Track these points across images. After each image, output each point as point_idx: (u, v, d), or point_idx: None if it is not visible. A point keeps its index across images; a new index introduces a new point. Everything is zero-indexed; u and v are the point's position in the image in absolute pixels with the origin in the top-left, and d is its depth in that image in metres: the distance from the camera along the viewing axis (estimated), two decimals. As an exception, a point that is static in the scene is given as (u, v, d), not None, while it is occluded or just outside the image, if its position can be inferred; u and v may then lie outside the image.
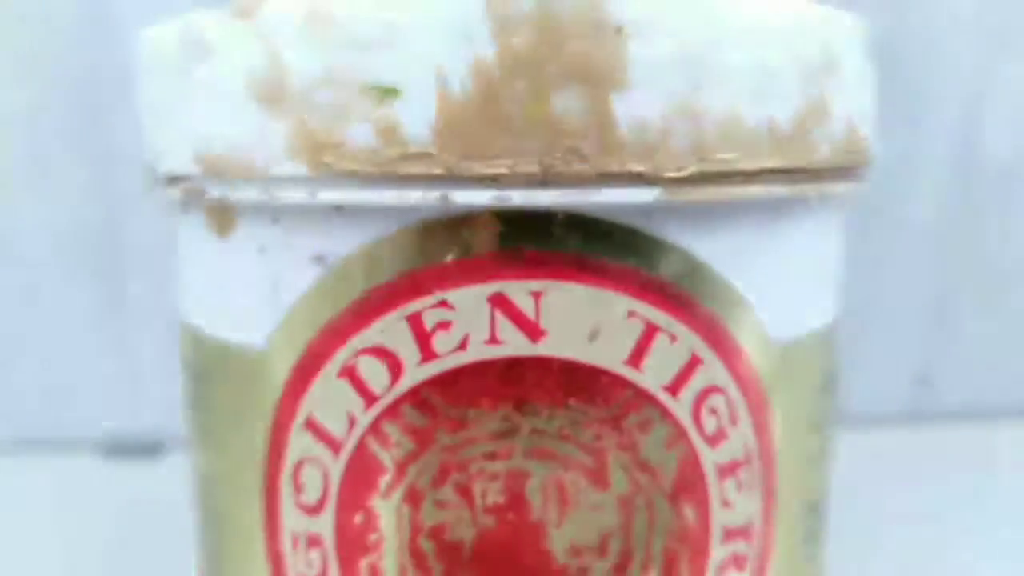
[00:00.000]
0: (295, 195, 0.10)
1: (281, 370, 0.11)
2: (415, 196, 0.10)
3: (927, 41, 0.28)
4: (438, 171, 0.10)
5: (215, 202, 0.11)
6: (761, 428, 0.12)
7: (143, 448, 0.29)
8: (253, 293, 0.11)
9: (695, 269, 0.11)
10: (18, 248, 0.28)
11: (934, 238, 0.30)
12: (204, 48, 0.11)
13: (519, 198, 0.10)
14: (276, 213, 0.11)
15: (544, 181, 0.10)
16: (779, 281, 0.12)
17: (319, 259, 0.11)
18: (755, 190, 0.11)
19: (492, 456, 0.11)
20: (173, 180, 0.12)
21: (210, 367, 0.12)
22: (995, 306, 0.30)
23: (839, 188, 0.12)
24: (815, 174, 0.11)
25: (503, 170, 0.10)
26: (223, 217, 0.12)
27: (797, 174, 0.11)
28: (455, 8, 0.10)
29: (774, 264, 0.12)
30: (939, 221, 0.30)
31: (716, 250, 0.11)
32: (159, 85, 0.12)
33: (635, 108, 0.10)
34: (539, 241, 0.10)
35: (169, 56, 0.12)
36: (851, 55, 0.12)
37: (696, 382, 0.11)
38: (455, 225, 0.10)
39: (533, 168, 0.10)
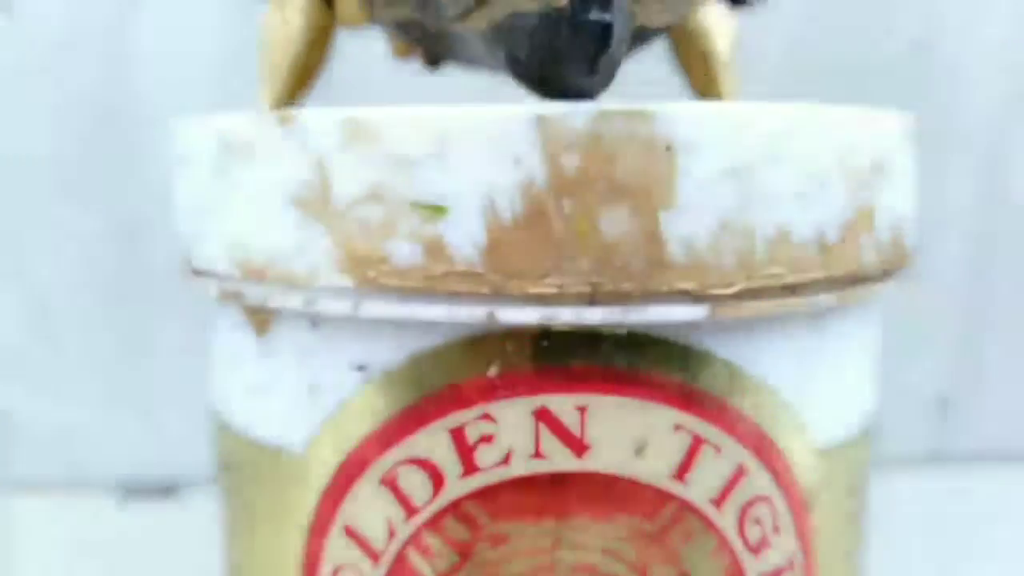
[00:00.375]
0: (338, 307, 0.10)
1: (320, 475, 0.11)
2: (461, 313, 0.10)
3: (950, 86, 0.28)
4: (485, 289, 0.10)
5: (253, 305, 0.11)
6: (803, 532, 0.12)
7: (159, 490, 0.29)
8: (291, 395, 0.11)
9: (740, 379, 0.11)
10: (36, 288, 0.28)
11: (958, 286, 0.30)
12: (244, 152, 0.11)
13: (567, 316, 0.10)
14: (317, 318, 0.11)
15: (592, 300, 0.10)
16: (821, 384, 0.12)
17: (361, 368, 0.11)
18: (801, 301, 0.11)
19: (535, 571, 0.11)
20: (208, 274, 0.12)
21: (243, 462, 0.12)
22: (1020, 348, 0.30)
23: (883, 289, 0.12)
24: (860, 279, 0.11)
25: (551, 290, 0.10)
26: (261, 319, 0.11)
27: (842, 282, 0.11)
28: (504, 128, 0.10)
29: (817, 368, 0.12)
30: (964, 268, 0.29)
31: (760, 359, 0.11)
32: (195, 181, 0.12)
33: (684, 226, 0.10)
34: (584, 356, 0.10)
35: (206, 154, 0.11)
36: (898, 155, 0.12)
37: (741, 493, 0.11)
38: (499, 339, 0.10)
39: (582, 288, 0.10)
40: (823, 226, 0.11)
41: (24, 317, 0.28)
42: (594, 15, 0.09)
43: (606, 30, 0.09)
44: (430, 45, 0.14)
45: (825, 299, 0.11)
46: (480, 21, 0.11)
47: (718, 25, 0.17)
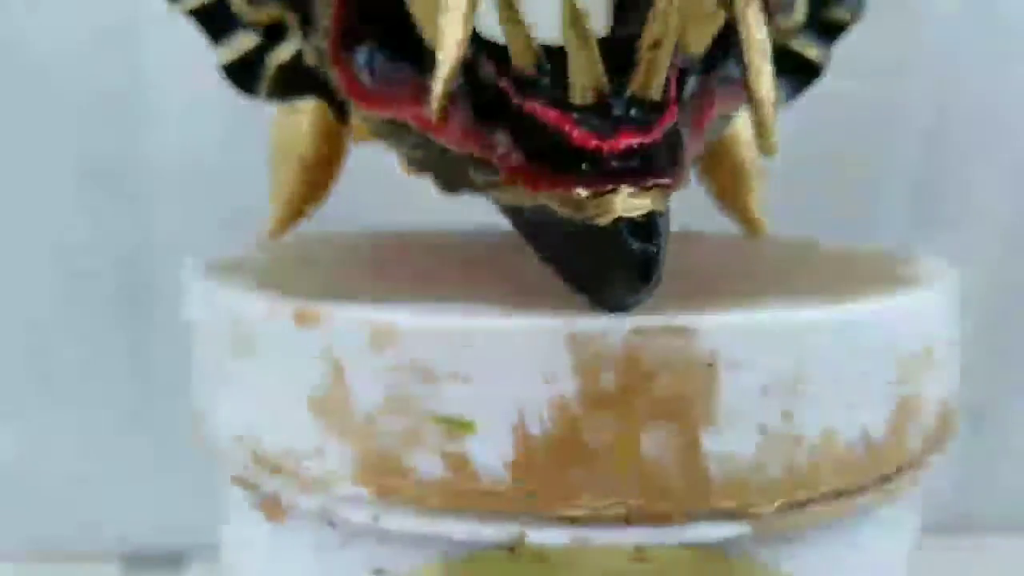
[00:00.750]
0: (356, 515, 0.10)
1: (336, 672, 0.11)
2: (487, 532, 0.09)
3: (980, 120, 0.27)
4: (512, 508, 0.09)
5: (267, 495, 0.11)
6: None
7: (165, 560, 0.28)
8: (306, 587, 0.11)
9: (779, 581, 0.10)
10: (43, 353, 0.27)
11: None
12: (259, 345, 0.10)
13: (601, 539, 0.09)
14: (334, 519, 0.10)
15: (628, 520, 0.09)
16: (858, 572, 0.11)
17: (379, 572, 0.10)
18: (845, 503, 0.10)
19: None
20: (219, 453, 0.11)
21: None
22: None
23: (929, 466, 0.11)
24: (906, 467, 0.11)
25: (584, 511, 0.09)
26: (275, 507, 0.11)
27: (888, 477, 0.10)
28: (535, 344, 0.09)
29: (855, 560, 0.11)
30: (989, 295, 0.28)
31: (797, 562, 0.10)
32: (209, 351, 0.11)
33: (725, 443, 0.09)
34: (616, 571, 0.10)
35: (221, 331, 0.11)
36: (944, 333, 0.11)
37: None
38: (528, 554, 0.10)
39: (617, 509, 0.09)
40: (869, 425, 0.10)
41: (30, 383, 0.28)
42: (638, 245, 0.09)
43: (650, 260, 0.09)
44: (451, 180, 0.14)
45: (870, 498, 0.10)
46: (512, 200, 0.10)
47: (744, 132, 0.16)
